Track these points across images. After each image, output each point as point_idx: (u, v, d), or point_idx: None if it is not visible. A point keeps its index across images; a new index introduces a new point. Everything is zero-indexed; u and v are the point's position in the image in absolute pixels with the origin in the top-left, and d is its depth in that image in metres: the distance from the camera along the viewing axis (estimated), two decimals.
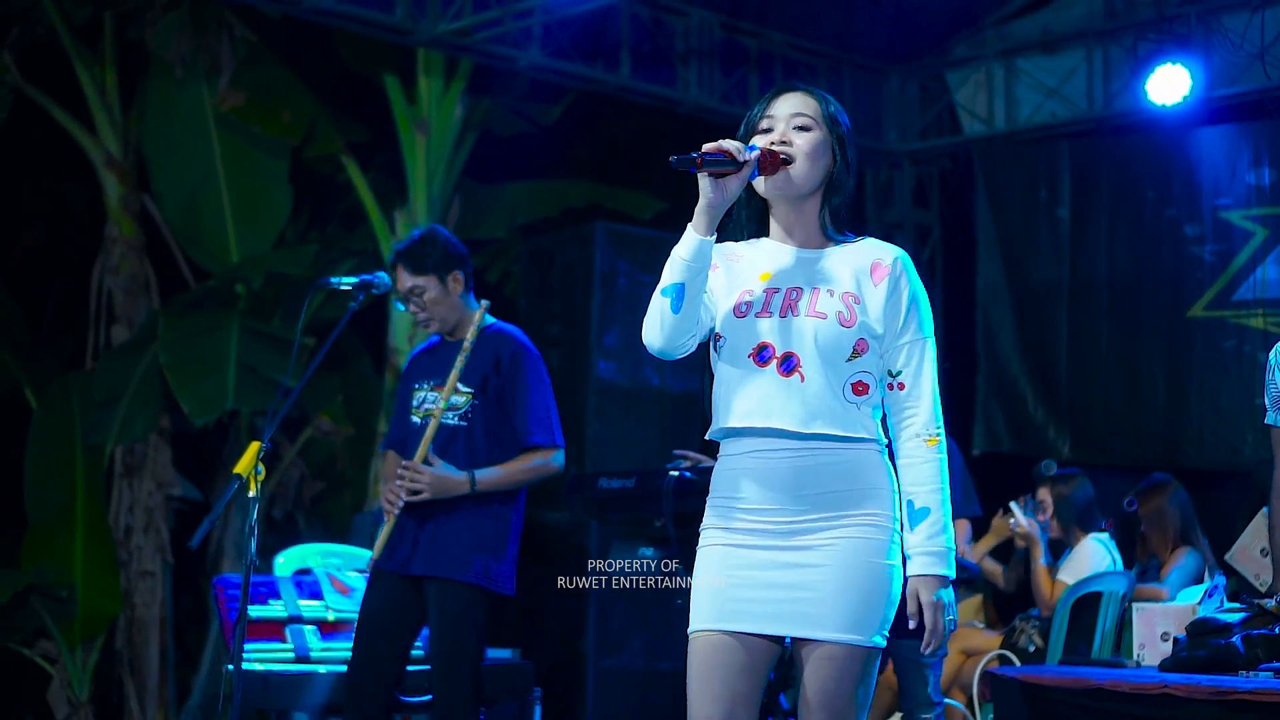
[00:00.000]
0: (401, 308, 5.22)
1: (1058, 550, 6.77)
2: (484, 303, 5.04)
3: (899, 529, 3.14)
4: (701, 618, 3.15)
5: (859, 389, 3.12)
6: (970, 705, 6.28)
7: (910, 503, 3.15)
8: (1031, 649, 6.40)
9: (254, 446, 4.08)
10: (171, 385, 7.74)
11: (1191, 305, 8.47)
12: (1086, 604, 6.21)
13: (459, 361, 4.89)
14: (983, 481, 8.46)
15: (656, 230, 7.85)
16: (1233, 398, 8.24)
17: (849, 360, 3.10)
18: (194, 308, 8.54)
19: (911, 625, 3.17)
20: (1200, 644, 5.05)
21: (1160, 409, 8.54)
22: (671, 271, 3.12)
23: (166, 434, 8.88)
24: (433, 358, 5.11)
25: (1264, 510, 5.31)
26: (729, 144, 3.08)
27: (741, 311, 3.17)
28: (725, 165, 3.07)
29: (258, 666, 5.38)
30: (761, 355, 3.13)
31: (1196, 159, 8.53)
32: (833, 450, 3.10)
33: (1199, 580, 6.37)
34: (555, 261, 7.67)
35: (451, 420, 4.95)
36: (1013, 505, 6.52)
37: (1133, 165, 8.84)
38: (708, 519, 3.21)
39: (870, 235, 3.30)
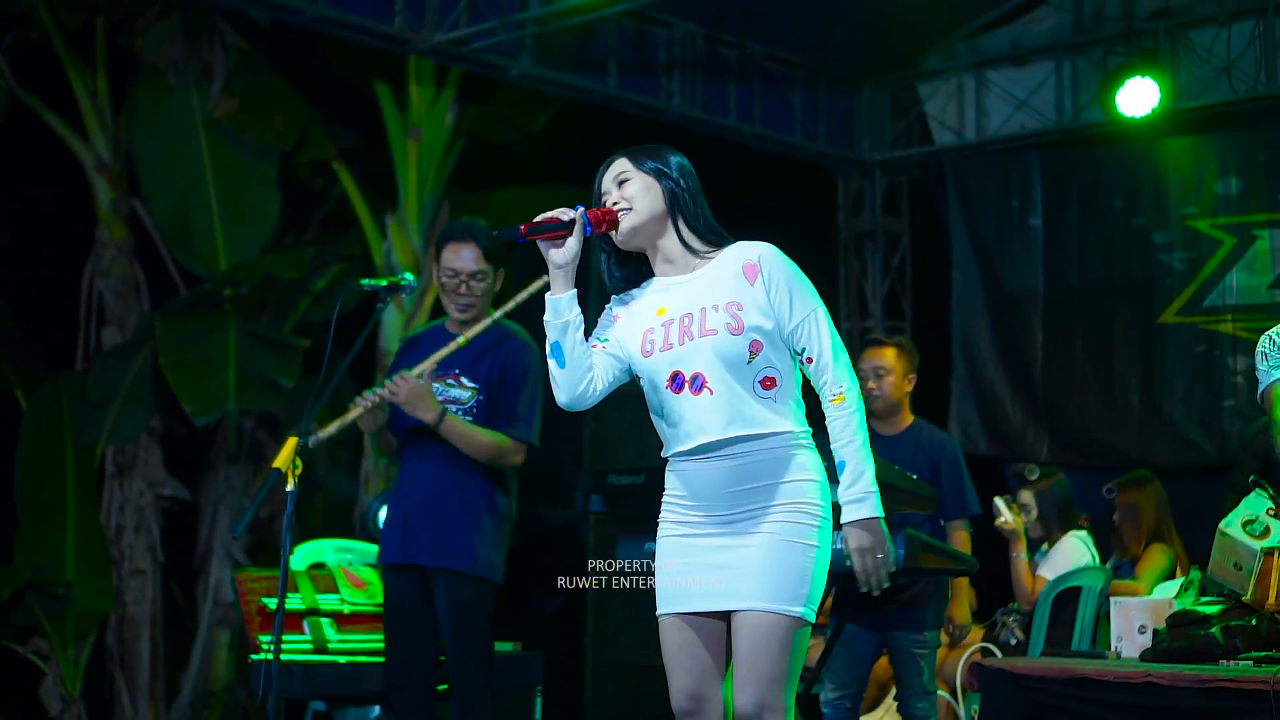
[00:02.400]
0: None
1: (1035, 547, 6.95)
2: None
3: (827, 515, 3.44)
4: (660, 604, 3.50)
5: (767, 384, 3.42)
6: (954, 694, 6.46)
7: (834, 458, 3.45)
8: (1013, 642, 6.55)
9: (292, 441, 4.13)
10: (173, 386, 7.80)
11: (1162, 311, 8.64)
12: (1066, 598, 6.38)
13: (449, 347, 4.96)
14: None
15: None
16: (1204, 400, 8.42)
17: (749, 363, 3.41)
18: (190, 310, 8.61)
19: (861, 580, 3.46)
20: (1181, 635, 5.22)
21: (1134, 411, 8.69)
22: (548, 334, 3.48)
23: (157, 434, 8.92)
24: (439, 346, 5.09)
25: (1223, 524, 5.13)
26: (555, 211, 3.45)
27: (647, 350, 3.48)
28: (553, 229, 3.44)
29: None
30: (675, 383, 3.44)
31: (1164, 169, 8.70)
32: (754, 449, 3.40)
33: (1170, 576, 6.57)
34: None
35: (455, 413, 5.03)
36: (997, 501, 6.69)
37: (1102, 175, 9.01)
38: (661, 514, 3.54)
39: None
